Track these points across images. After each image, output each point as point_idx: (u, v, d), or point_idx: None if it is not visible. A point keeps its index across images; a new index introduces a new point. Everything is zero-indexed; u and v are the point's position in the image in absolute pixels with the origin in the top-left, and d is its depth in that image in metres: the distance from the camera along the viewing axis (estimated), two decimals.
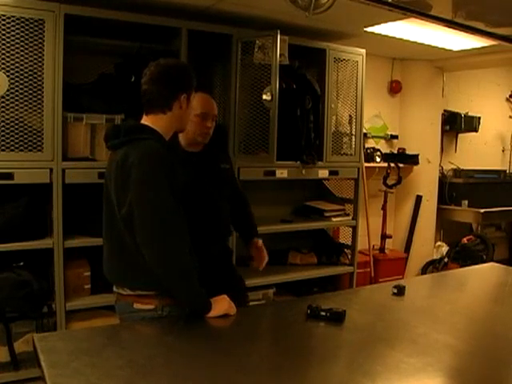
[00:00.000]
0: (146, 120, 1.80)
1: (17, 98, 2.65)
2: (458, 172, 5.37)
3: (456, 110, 5.32)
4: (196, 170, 2.24)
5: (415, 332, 1.69)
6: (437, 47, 4.11)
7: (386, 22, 3.38)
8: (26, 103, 2.68)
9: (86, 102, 2.91)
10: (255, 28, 3.34)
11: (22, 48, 2.63)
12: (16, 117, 2.67)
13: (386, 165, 4.65)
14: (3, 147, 2.64)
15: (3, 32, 2.59)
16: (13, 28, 2.60)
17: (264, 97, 3.25)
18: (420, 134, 4.97)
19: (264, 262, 2.41)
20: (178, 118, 1.82)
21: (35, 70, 2.68)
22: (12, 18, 2.59)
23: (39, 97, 2.70)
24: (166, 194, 1.65)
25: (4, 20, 2.58)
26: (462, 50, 4.15)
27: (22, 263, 2.82)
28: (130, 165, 1.65)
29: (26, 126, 2.70)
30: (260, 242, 2.43)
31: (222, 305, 1.75)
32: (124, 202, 1.65)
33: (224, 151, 2.39)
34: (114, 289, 1.83)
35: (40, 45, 2.68)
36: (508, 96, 5.97)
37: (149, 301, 1.73)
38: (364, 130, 4.35)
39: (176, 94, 1.77)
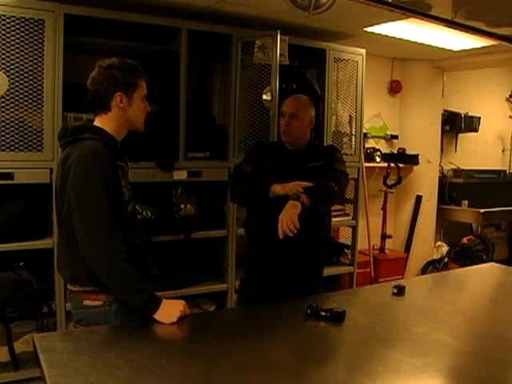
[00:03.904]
0: (95, 121, 1.83)
1: (17, 97, 2.65)
2: (457, 172, 5.37)
3: (456, 110, 5.32)
4: (281, 168, 2.29)
5: (415, 332, 1.70)
6: (437, 47, 4.10)
7: (386, 22, 3.38)
8: (26, 103, 2.68)
9: (85, 102, 2.89)
10: (255, 28, 3.34)
11: (22, 48, 2.63)
12: (16, 117, 2.67)
13: (386, 165, 4.65)
14: (3, 147, 2.65)
15: (3, 32, 2.59)
16: (13, 28, 2.60)
17: (264, 97, 3.25)
18: (420, 134, 4.97)
19: (280, 230, 1.98)
20: (121, 117, 1.81)
21: (35, 70, 2.68)
22: (12, 18, 2.60)
23: (39, 97, 2.70)
24: (97, 194, 1.66)
25: (4, 20, 2.58)
26: (462, 50, 4.15)
27: (22, 263, 2.82)
28: (70, 164, 1.69)
29: (25, 126, 2.70)
30: (291, 202, 2.02)
31: (169, 310, 1.69)
32: (65, 200, 1.71)
33: (325, 150, 2.46)
34: (68, 285, 1.85)
35: (40, 45, 2.68)
36: (508, 96, 5.97)
37: (96, 296, 1.75)
38: (364, 130, 4.35)
39: (111, 94, 1.77)
